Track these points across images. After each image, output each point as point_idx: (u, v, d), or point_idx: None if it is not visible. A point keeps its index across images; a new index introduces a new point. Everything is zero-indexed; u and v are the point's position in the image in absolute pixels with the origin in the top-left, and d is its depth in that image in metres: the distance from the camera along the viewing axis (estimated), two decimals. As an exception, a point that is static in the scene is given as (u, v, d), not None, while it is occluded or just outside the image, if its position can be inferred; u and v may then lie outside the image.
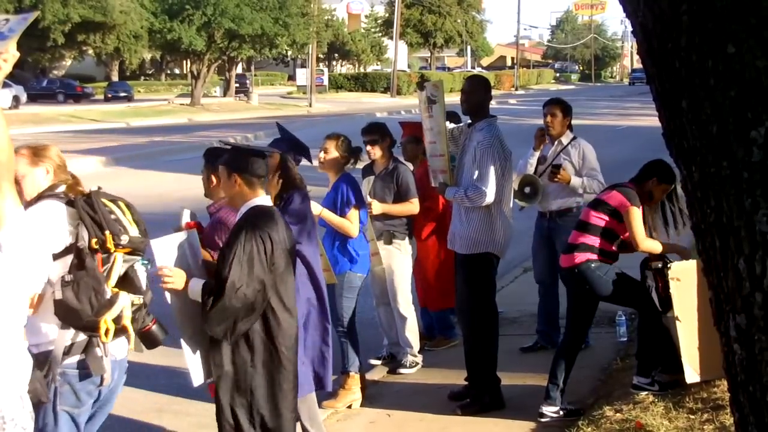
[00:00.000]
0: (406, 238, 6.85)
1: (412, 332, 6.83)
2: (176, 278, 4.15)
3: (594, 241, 5.59)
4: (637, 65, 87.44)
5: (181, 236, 4.37)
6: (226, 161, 4.35)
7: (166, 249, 4.22)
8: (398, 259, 6.78)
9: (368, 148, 6.69)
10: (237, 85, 54.29)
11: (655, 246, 5.57)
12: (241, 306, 4.07)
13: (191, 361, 4.32)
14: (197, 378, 4.37)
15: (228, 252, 4.11)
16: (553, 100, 7.12)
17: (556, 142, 6.95)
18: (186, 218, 4.61)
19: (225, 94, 52.78)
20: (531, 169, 7.04)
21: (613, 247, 5.63)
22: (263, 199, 4.35)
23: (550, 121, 6.92)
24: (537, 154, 7.03)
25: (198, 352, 4.33)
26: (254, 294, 4.09)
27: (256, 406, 4.23)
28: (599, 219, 5.59)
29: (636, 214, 5.49)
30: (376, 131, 6.76)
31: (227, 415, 4.23)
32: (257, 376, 4.22)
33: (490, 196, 5.71)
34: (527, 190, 6.95)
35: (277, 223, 4.27)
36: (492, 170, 5.69)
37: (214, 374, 4.26)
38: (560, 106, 6.99)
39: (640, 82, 67.19)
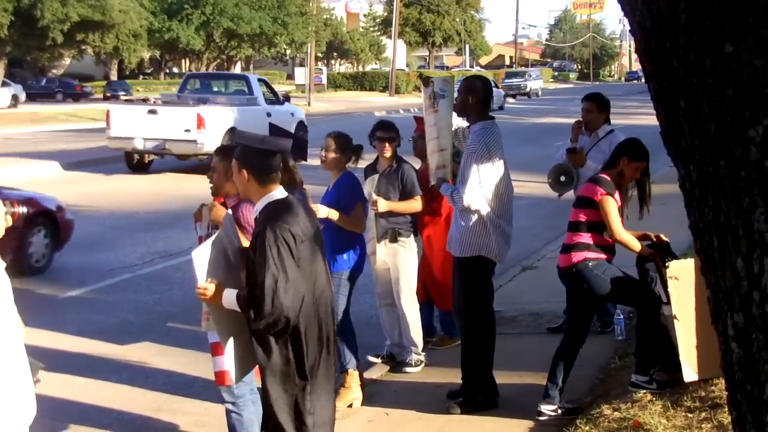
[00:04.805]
0: (412, 236, 6.81)
1: (416, 331, 6.80)
2: (208, 291, 4.10)
3: (587, 238, 5.59)
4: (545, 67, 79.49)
5: (213, 236, 4.33)
6: (238, 156, 4.29)
7: (202, 257, 4.19)
8: (404, 257, 6.73)
9: (386, 145, 6.63)
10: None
11: (631, 241, 5.56)
12: (284, 308, 3.95)
13: (229, 361, 4.29)
14: (237, 377, 4.36)
15: (259, 257, 3.97)
16: (590, 96, 7.52)
17: (592, 134, 7.33)
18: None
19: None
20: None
21: (609, 239, 5.61)
22: (278, 192, 4.17)
23: (585, 116, 7.33)
24: (575, 145, 7.36)
25: (235, 351, 4.27)
26: (293, 296, 3.97)
27: (297, 396, 4.14)
28: (584, 215, 5.61)
29: (609, 203, 5.49)
30: (392, 129, 6.70)
31: (272, 403, 4.13)
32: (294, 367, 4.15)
33: (468, 200, 5.67)
34: (563, 178, 7.26)
35: (296, 214, 4.11)
36: (472, 175, 5.65)
37: (260, 366, 4.17)
38: (595, 102, 7.36)
39: (520, 94, 58.90)
